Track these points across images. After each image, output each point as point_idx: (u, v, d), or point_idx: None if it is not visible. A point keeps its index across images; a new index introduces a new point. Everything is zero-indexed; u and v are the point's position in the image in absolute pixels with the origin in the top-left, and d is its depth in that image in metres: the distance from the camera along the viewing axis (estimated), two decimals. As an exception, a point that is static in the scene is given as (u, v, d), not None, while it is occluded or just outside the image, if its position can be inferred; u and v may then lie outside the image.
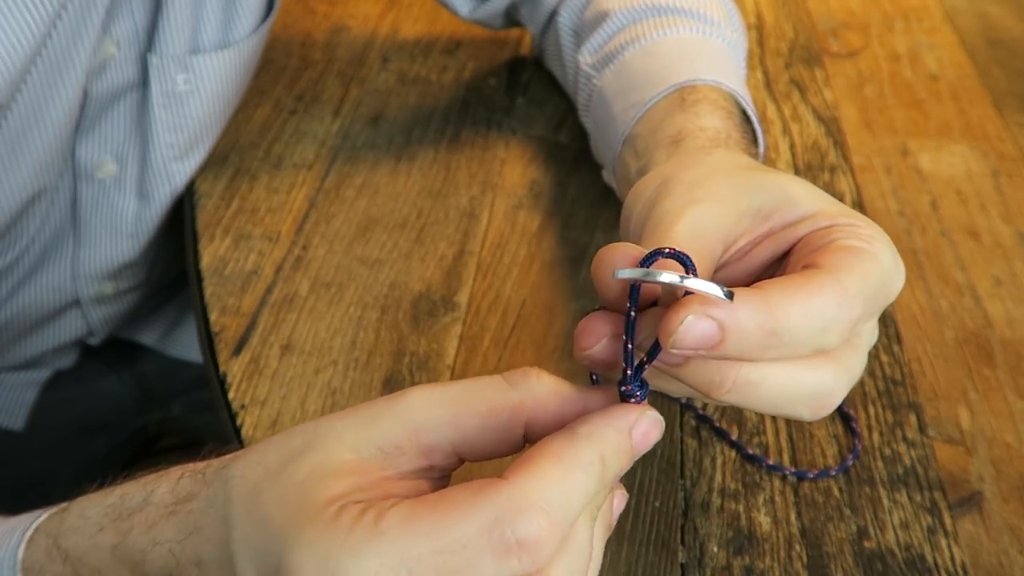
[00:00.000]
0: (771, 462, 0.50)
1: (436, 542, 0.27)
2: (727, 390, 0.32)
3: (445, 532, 0.27)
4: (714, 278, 0.36)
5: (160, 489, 0.33)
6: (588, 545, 0.30)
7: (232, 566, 0.29)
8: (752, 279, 0.37)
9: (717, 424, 0.52)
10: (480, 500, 0.27)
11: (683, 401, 0.53)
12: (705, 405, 0.53)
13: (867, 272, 0.33)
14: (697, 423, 0.52)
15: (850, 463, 0.49)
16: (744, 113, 0.52)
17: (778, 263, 0.37)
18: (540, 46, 0.77)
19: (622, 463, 0.30)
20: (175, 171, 0.66)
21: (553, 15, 0.71)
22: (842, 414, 0.52)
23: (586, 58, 0.63)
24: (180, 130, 0.64)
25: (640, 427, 0.31)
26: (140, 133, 0.64)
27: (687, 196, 0.37)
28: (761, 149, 0.53)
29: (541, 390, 0.31)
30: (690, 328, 0.30)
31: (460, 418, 0.30)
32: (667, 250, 0.31)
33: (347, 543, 0.27)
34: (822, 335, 0.32)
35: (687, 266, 0.31)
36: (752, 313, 0.30)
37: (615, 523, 0.33)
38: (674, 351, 0.30)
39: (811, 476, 0.49)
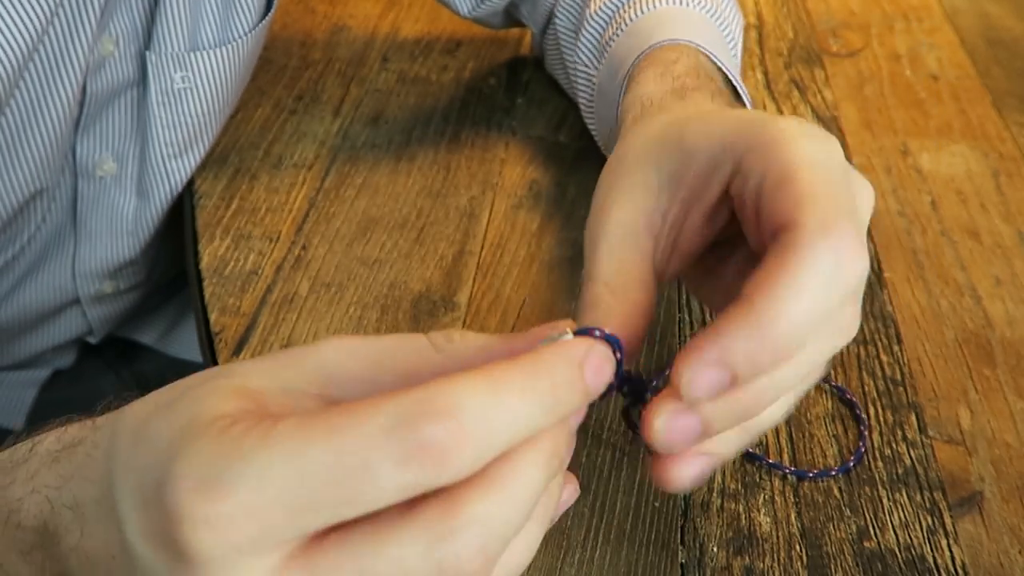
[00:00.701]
0: (772, 460, 0.50)
1: (331, 444, 0.24)
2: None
3: (343, 433, 0.24)
4: (669, 267, 0.37)
5: (47, 439, 0.31)
6: (529, 495, 0.26)
7: (111, 501, 0.27)
8: (708, 241, 0.37)
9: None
10: (387, 401, 0.24)
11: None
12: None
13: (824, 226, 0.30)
14: (697, 423, 0.52)
15: (851, 464, 0.49)
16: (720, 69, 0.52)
17: (722, 215, 0.36)
18: (540, 47, 0.77)
19: (573, 399, 0.27)
20: (174, 169, 0.67)
21: (552, 16, 0.71)
22: (849, 404, 0.52)
23: (582, 57, 0.63)
24: (179, 128, 0.64)
25: (592, 362, 0.27)
26: (139, 131, 0.65)
27: (600, 214, 0.37)
28: (747, 102, 0.53)
29: (466, 351, 0.28)
30: (696, 385, 0.28)
31: (376, 376, 0.28)
32: (596, 332, 0.30)
33: (236, 449, 0.24)
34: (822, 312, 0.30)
35: (616, 348, 0.30)
36: (743, 334, 0.29)
37: (559, 514, 0.31)
38: (696, 396, 0.29)
39: (811, 475, 0.49)
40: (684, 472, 0.31)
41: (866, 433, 0.51)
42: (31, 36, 0.51)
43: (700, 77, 0.48)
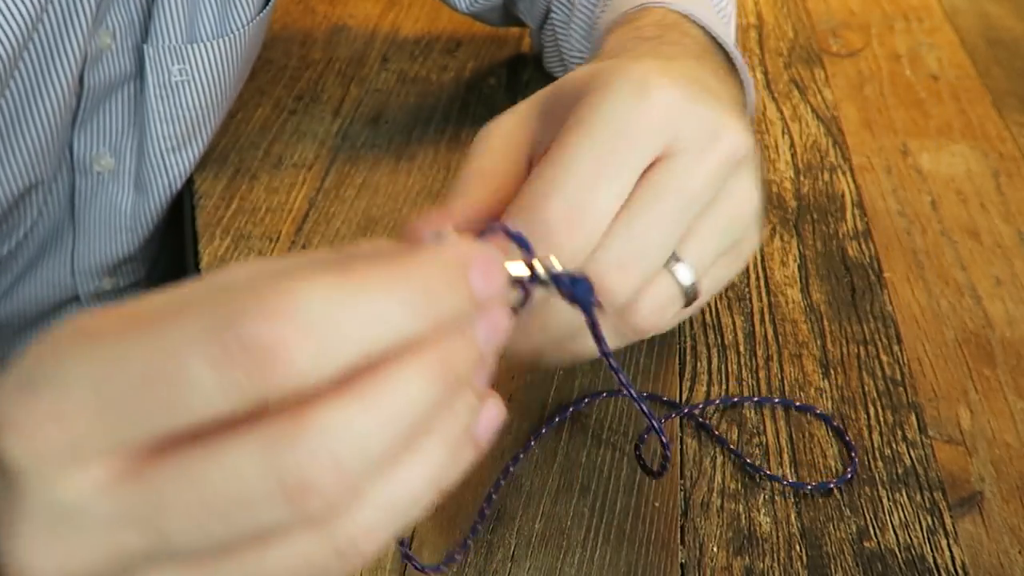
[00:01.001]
0: (770, 472, 0.50)
1: (144, 344, 0.21)
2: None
3: (158, 333, 0.21)
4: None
5: None
6: (404, 408, 0.22)
7: None
8: None
9: (716, 426, 0.52)
10: (212, 299, 0.21)
11: (684, 411, 0.53)
12: (703, 409, 0.53)
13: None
14: (697, 424, 0.52)
15: (849, 476, 0.49)
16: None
17: None
18: (539, 44, 0.77)
19: (454, 302, 0.23)
20: (172, 163, 0.67)
21: (548, 12, 0.71)
22: (834, 429, 0.52)
23: (574, 43, 0.63)
24: (177, 121, 0.65)
25: (479, 262, 0.24)
26: (137, 125, 0.65)
27: (491, 123, 0.37)
28: (741, 70, 0.51)
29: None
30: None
31: None
32: (499, 227, 0.28)
33: (53, 350, 0.22)
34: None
35: (525, 246, 0.27)
36: (547, 201, 0.27)
37: (484, 437, 0.27)
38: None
39: (808, 488, 0.49)
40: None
41: (856, 459, 0.51)
42: (24, 26, 0.51)
43: (663, 28, 0.47)
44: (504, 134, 0.36)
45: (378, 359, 0.22)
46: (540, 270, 0.26)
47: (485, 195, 0.33)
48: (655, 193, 0.28)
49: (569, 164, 0.28)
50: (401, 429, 0.22)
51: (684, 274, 0.31)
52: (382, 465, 0.23)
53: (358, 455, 0.22)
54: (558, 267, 0.26)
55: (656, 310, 0.30)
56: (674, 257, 0.30)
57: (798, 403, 0.53)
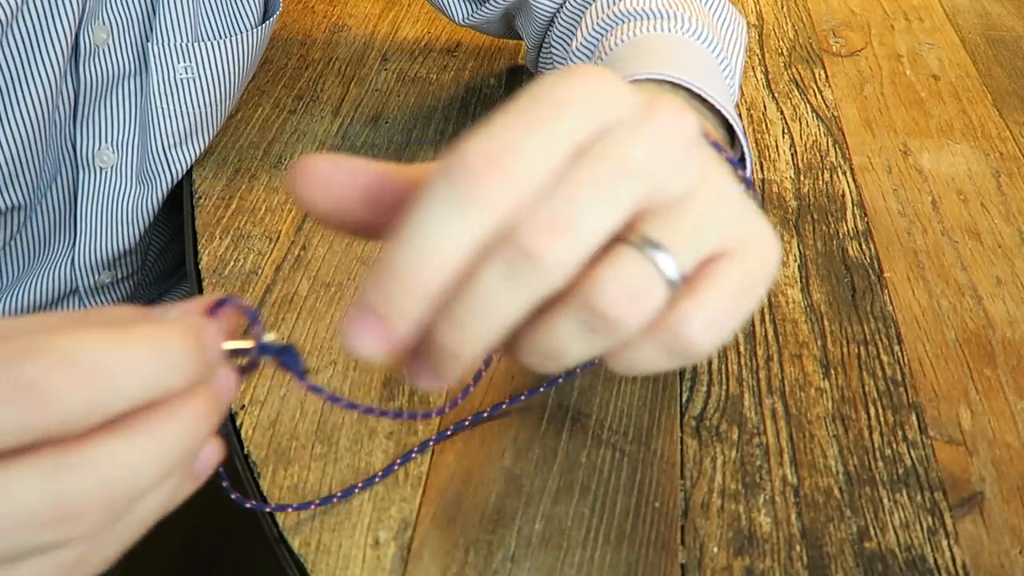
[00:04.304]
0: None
1: None
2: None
3: None
4: None
5: None
6: (165, 448, 0.26)
7: None
8: None
9: (716, 427, 0.52)
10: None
11: (684, 400, 0.53)
12: (704, 409, 0.53)
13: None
14: (697, 424, 0.52)
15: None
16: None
17: None
18: (535, 66, 0.77)
19: (193, 363, 0.27)
20: (175, 159, 0.67)
21: (547, 40, 0.71)
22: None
23: None
24: (180, 118, 0.65)
25: (205, 334, 0.28)
26: (139, 121, 0.65)
27: None
28: (743, 140, 0.51)
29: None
30: (357, 335, 0.27)
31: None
32: (230, 302, 0.31)
33: None
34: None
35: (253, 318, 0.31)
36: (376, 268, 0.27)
37: (202, 474, 0.30)
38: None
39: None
40: (417, 373, 0.28)
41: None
42: (9, 9, 0.52)
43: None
44: None
45: (141, 404, 0.25)
46: (248, 344, 0.30)
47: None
48: (588, 158, 0.27)
49: (497, 121, 0.27)
50: (161, 467, 0.26)
51: (665, 261, 0.28)
52: (142, 493, 0.26)
53: (125, 486, 0.25)
54: (269, 338, 0.31)
55: (626, 293, 0.28)
56: (649, 243, 0.28)
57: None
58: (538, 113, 0.27)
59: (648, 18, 0.57)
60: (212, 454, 0.30)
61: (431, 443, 0.50)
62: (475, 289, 0.26)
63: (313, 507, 0.47)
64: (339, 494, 0.47)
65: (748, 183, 0.48)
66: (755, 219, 0.31)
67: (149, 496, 0.27)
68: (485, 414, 0.51)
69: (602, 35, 0.59)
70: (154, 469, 0.26)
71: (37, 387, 0.23)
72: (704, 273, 0.29)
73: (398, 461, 0.49)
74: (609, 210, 0.27)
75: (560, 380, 0.53)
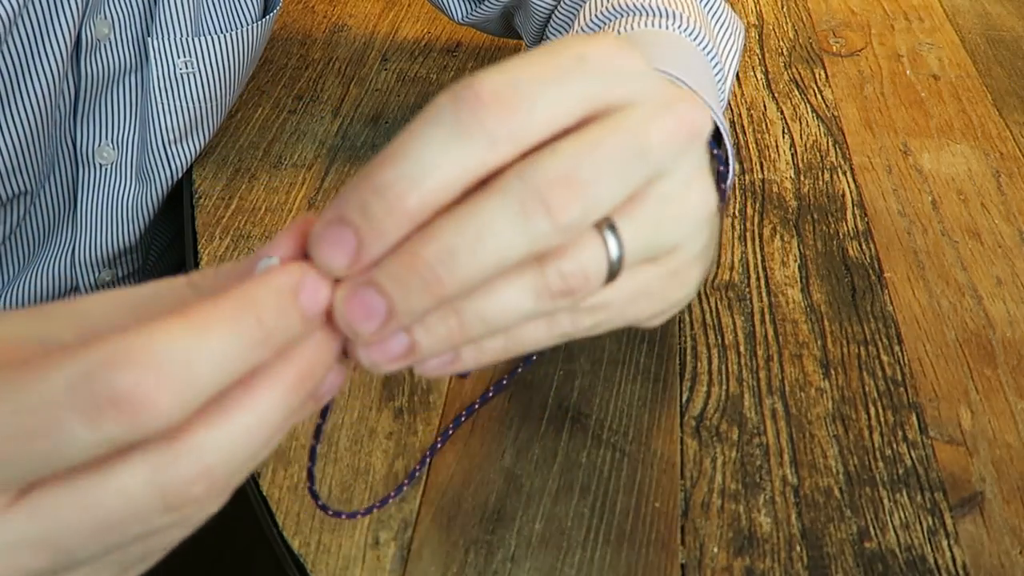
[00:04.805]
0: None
1: (16, 399, 0.23)
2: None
3: (27, 387, 0.23)
4: None
5: None
6: (263, 422, 0.25)
7: None
8: None
9: (716, 427, 0.52)
10: (76, 352, 0.23)
11: (683, 400, 0.53)
12: (704, 409, 0.53)
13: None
14: (697, 424, 0.52)
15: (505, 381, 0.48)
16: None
17: None
18: None
19: (288, 327, 0.25)
20: (175, 154, 0.67)
21: (544, 37, 0.71)
22: None
23: None
24: (180, 113, 0.65)
25: (306, 288, 0.25)
26: (139, 116, 0.65)
27: None
28: (729, 148, 0.51)
29: (216, 286, 0.27)
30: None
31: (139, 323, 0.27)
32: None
33: None
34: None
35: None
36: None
37: (328, 392, 0.28)
38: (372, 358, 0.27)
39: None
40: (376, 353, 0.27)
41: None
42: (12, 6, 0.52)
43: None
44: None
45: (231, 384, 0.25)
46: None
47: None
48: (607, 129, 0.26)
49: (515, 61, 0.26)
50: (263, 438, 0.26)
51: (613, 246, 0.27)
52: (244, 467, 0.26)
53: (228, 466, 0.25)
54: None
55: (579, 271, 0.27)
56: (608, 223, 0.27)
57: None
58: (559, 63, 0.26)
59: (648, 14, 0.57)
60: (337, 378, 0.28)
61: (439, 445, 0.50)
62: (477, 220, 0.25)
63: (376, 509, 0.47)
64: (395, 492, 0.47)
65: (724, 194, 0.48)
66: (706, 236, 0.31)
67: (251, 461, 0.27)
68: (476, 405, 0.51)
69: (600, 27, 0.59)
70: (257, 441, 0.25)
71: (130, 400, 0.22)
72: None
73: (428, 455, 0.49)
74: (621, 185, 0.26)
75: (526, 364, 0.53)
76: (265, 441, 0.26)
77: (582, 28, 0.60)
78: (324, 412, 0.36)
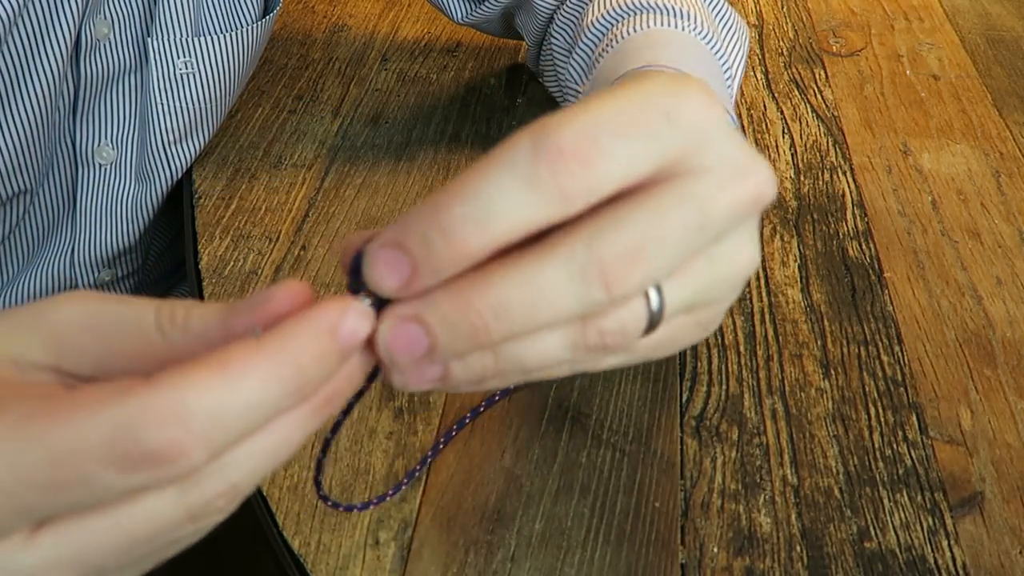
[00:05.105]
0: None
1: (48, 449, 0.23)
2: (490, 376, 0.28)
3: (60, 438, 0.23)
4: None
5: None
6: (285, 444, 0.26)
7: None
8: None
9: (716, 427, 0.52)
10: (108, 403, 0.23)
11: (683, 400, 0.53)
12: (704, 409, 0.53)
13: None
14: (697, 424, 0.52)
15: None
16: None
17: None
18: (536, 63, 0.77)
19: (324, 370, 0.25)
20: (174, 155, 0.67)
21: (547, 35, 0.71)
22: None
23: (572, 73, 0.62)
24: (179, 113, 0.65)
25: (347, 324, 0.25)
26: (139, 117, 0.65)
27: None
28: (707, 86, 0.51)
29: (189, 336, 0.26)
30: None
31: (105, 356, 0.27)
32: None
33: None
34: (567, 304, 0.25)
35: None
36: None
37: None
38: (407, 382, 0.27)
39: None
40: (411, 380, 0.27)
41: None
42: (13, 5, 0.52)
43: None
44: None
45: (262, 422, 0.25)
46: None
47: None
48: (677, 198, 0.26)
49: (596, 106, 0.25)
50: (282, 454, 0.26)
51: (655, 303, 0.28)
52: (265, 477, 0.28)
53: (249, 479, 0.26)
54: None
55: (619, 329, 0.27)
56: (659, 290, 0.28)
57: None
58: (645, 119, 0.26)
59: (661, 12, 0.57)
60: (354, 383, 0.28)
61: (441, 445, 0.50)
62: (537, 281, 0.25)
63: (389, 496, 0.47)
64: (394, 490, 0.47)
65: None
66: (742, 288, 0.32)
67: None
68: (482, 408, 0.51)
69: (612, 24, 0.60)
70: (281, 457, 0.26)
71: (164, 454, 0.23)
72: None
73: (431, 452, 0.49)
74: (679, 256, 0.27)
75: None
76: (287, 456, 0.27)
77: (592, 24, 0.61)
78: (347, 408, 0.35)
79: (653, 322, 0.28)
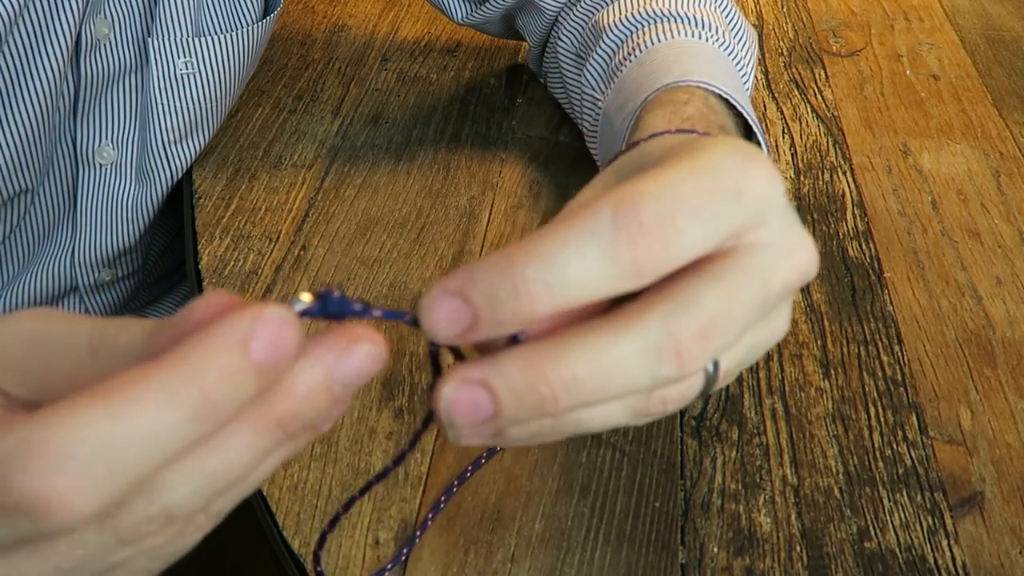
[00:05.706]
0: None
1: None
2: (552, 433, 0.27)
3: None
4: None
5: None
6: (238, 466, 0.24)
7: None
8: None
9: (716, 427, 0.52)
10: None
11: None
12: (704, 409, 0.53)
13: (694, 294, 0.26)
14: (697, 424, 0.52)
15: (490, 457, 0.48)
16: (739, 115, 0.52)
17: None
18: (538, 64, 0.77)
19: (239, 390, 0.22)
20: (175, 155, 0.67)
21: (553, 37, 0.71)
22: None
23: (589, 80, 0.62)
24: (180, 113, 0.65)
25: (261, 337, 0.22)
26: (139, 117, 0.65)
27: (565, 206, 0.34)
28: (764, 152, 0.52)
29: (120, 357, 0.24)
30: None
31: (45, 379, 0.25)
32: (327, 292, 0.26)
33: None
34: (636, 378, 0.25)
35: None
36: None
37: (331, 419, 0.26)
38: (460, 439, 0.26)
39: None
40: (465, 439, 0.26)
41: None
42: (14, 5, 0.52)
43: (708, 121, 0.47)
44: (587, 199, 0.34)
45: (178, 450, 0.22)
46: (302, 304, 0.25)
47: None
48: (743, 274, 0.26)
49: (668, 179, 0.25)
50: (229, 480, 0.24)
51: (711, 372, 0.28)
52: (219, 501, 0.25)
53: (187, 506, 0.24)
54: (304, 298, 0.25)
55: (678, 398, 0.28)
56: (715, 363, 0.29)
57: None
58: (717, 196, 0.26)
59: (684, 21, 0.58)
60: (339, 408, 0.26)
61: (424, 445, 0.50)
62: (611, 356, 0.25)
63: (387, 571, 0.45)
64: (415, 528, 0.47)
65: None
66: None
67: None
68: (483, 460, 0.50)
69: (631, 31, 0.60)
70: (224, 481, 0.24)
71: (38, 503, 0.21)
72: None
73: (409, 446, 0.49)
74: (745, 329, 0.27)
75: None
76: (238, 479, 0.24)
77: (609, 30, 0.61)
78: (378, 477, 0.34)
79: (707, 389, 0.29)
